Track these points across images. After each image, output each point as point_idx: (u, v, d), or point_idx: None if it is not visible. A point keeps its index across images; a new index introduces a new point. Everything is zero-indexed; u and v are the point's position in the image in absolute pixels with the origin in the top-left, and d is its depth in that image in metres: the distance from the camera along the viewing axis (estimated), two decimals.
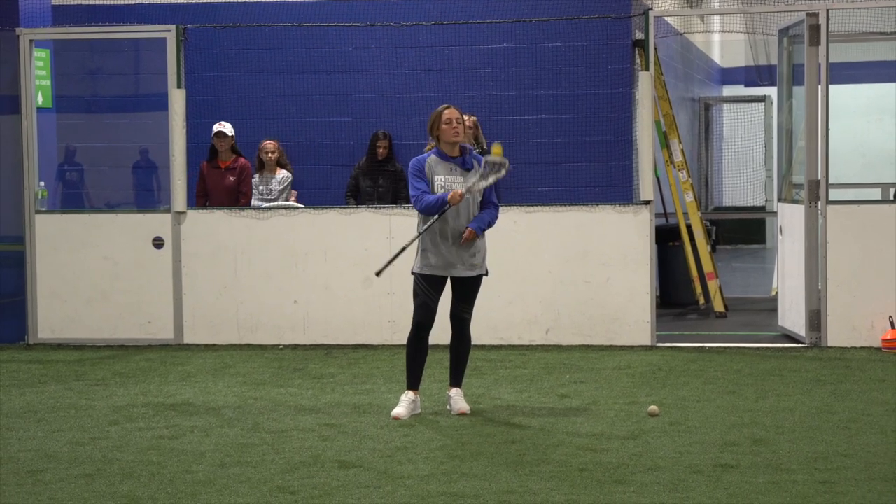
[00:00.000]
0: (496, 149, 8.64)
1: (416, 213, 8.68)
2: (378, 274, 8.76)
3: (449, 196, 8.44)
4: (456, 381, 8.79)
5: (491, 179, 8.58)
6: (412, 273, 8.66)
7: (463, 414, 8.62)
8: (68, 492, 6.83)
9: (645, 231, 11.54)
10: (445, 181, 8.58)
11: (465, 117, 12.72)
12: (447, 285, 8.70)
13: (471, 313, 8.75)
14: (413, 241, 8.62)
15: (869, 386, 9.57)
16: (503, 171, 8.59)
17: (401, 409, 8.61)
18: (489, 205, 8.73)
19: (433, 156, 8.67)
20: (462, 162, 8.66)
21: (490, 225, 8.71)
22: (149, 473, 7.17)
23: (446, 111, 8.61)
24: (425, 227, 8.53)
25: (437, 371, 10.11)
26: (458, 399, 8.72)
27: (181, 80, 11.98)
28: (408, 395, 8.69)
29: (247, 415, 8.79)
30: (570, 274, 11.63)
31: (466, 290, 8.69)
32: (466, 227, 8.55)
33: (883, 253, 11.29)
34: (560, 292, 11.64)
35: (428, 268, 8.58)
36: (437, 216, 8.48)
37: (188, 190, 12.19)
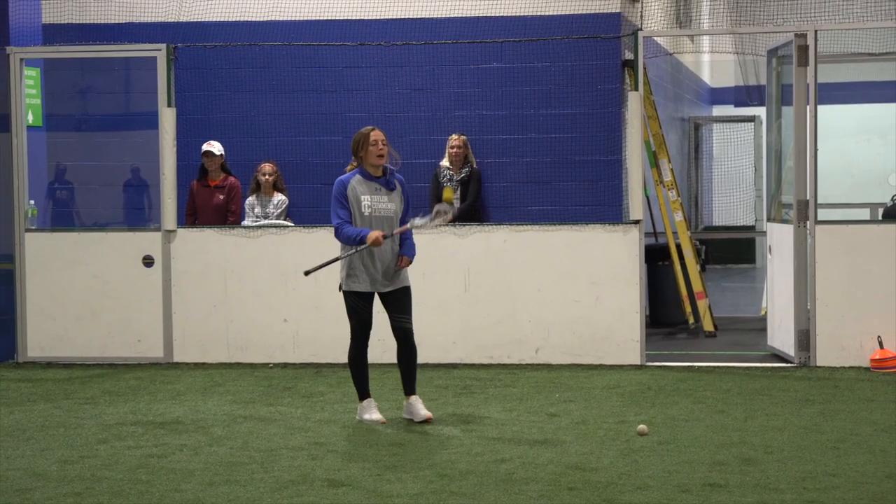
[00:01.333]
0: (448, 193, 8.97)
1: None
2: (307, 273, 9.33)
3: (369, 238, 8.84)
4: (412, 389, 9.14)
5: (437, 221, 9.09)
6: (341, 290, 9.08)
7: (429, 420, 8.96)
8: None
9: (634, 250, 11.56)
10: (371, 201, 8.98)
11: (455, 136, 12.80)
12: (378, 305, 9.13)
13: (412, 322, 9.13)
14: (345, 256, 9.00)
15: (858, 406, 9.58)
16: (449, 215, 9.11)
17: (378, 414, 9.11)
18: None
19: (357, 176, 9.05)
20: (385, 182, 9.06)
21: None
22: (137, 492, 7.17)
23: (373, 133, 9.02)
24: (357, 250, 8.94)
25: (426, 390, 10.13)
26: (419, 406, 9.07)
27: (171, 98, 12.00)
28: (370, 402, 9.17)
29: (236, 433, 8.78)
30: (559, 293, 11.65)
31: (400, 301, 9.09)
32: (399, 255, 9.04)
33: (872, 273, 11.31)
34: (549, 311, 11.65)
35: (357, 285, 9.00)
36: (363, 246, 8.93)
37: (178, 208, 12.19)
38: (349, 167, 9.14)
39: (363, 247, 8.87)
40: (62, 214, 13.82)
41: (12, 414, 9.65)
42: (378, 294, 9.08)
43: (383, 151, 8.99)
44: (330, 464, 7.82)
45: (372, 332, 9.12)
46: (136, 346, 12.05)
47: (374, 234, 8.84)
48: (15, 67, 12.12)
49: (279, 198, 12.64)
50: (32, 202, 12.31)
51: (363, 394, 9.15)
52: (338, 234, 8.99)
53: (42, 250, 12.15)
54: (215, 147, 12.61)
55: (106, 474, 7.60)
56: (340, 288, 9.10)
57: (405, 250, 9.10)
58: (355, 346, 9.14)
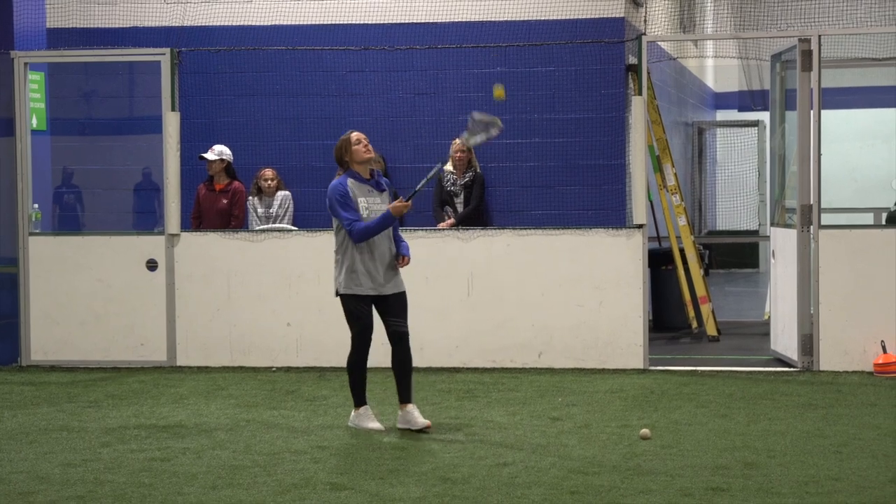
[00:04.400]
0: (498, 91, 8.73)
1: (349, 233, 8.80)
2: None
3: (392, 210, 8.74)
4: (408, 397, 8.96)
5: (479, 138, 9.02)
6: (340, 294, 8.89)
7: (427, 428, 8.79)
8: None
9: (638, 255, 11.57)
10: (368, 203, 8.84)
11: (458, 141, 12.80)
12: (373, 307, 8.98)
13: (407, 326, 8.97)
14: (431, 177, 8.96)
15: (860, 410, 9.58)
16: (493, 132, 9.00)
17: (376, 423, 8.97)
18: (397, 227, 9.07)
19: (350, 179, 8.89)
20: (375, 184, 8.96)
21: None
22: (140, 495, 7.17)
23: (353, 134, 8.94)
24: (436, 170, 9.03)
25: (429, 394, 10.14)
26: (416, 413, 8.89)
27: (175, 103, 12.01)
28: (367, 410, 9.03)
29: (239, 437, 8.79)
30: (562, 297, 11.65)
31: (398, 305, 8.96)
32: (398, 254, 8.94)
33: (875, 277, 11.31)
34: (553, 315, 11.65)
35: (360, 289, 8.83)
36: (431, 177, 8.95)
37: (183, 212, 12.20)
38: (338, 175, 9.02)
39: (432, 174, 8.89)
40: (66, 218, 13.84)
41: (16, 417, 9.66)
42: (378, 299, 8.93)
43: (369, 148, 8.91)
44: (333, 467, 7.83)
45: (374, 335, 9.09)
46: (140, 350, 12.07)
47: (395, 206, 8.71)
48: (19, 71, 12.14)
49: (282, 194, 12.65)
50: (36, 206, 12.33)
51: (360, 401, 9.03)
52: (355, 234, 8.70)
53: (46, 254, 12.17)
54: (211, 153, 12.58)
55: (109, 478, 7.60)
56: (337, 293, 8.93)
57: (403, 249, 8.99)
58: (357, 351, 8.99)
